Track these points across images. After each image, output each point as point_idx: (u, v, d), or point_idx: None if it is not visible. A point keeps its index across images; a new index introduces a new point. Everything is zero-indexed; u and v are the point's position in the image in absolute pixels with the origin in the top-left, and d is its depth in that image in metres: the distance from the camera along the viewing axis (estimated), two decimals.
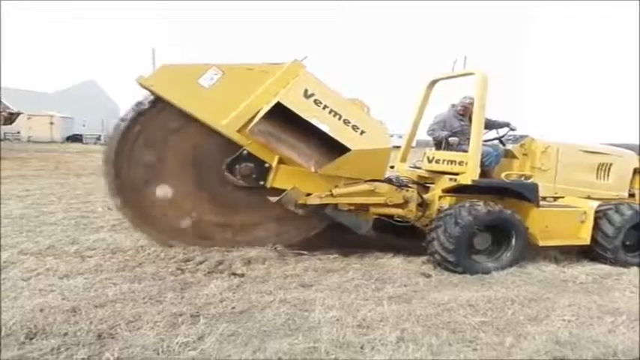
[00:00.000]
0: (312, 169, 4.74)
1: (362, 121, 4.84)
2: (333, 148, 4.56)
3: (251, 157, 5.00)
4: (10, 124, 24.66)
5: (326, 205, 5.09)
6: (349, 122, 4.72)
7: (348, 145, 4.53)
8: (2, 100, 22.93)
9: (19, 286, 3.98)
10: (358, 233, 5.32)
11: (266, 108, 4.63)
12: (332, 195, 5.04)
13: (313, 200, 5.00)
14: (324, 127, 4.52)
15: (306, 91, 4.71)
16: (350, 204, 5.18)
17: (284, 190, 4.94)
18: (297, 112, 4.48)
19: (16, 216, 6.97)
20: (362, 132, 4.72)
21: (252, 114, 4.80)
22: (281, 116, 4.50)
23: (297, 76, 4.88)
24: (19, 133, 36.26)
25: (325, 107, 4.69)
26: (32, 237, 5.71)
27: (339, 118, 4.70)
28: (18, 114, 24.19)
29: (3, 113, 22.47)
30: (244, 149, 4.97)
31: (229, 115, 4.87)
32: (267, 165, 5.04)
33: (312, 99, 4.69)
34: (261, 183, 5.07)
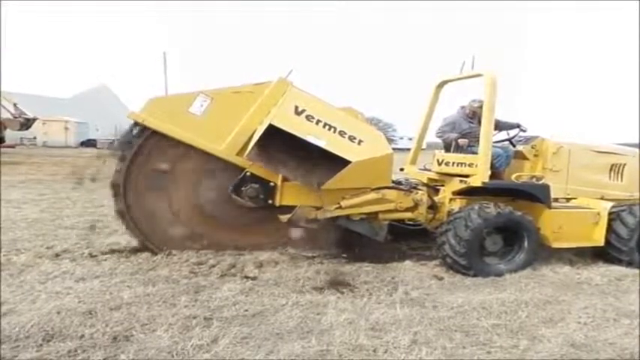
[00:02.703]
0: (315, 187, 4.72)
1: (358, 130, 4.77)
2: (334, 161, 4.49)
3: (255, 177, 4.97)
4: (27, 129, 25.07)
5: (337, 216, 5.11)
6: (345, 134, 4.64)
7: (347, 157, 4.45)
8: (19, 105, 23.30)
9: (37, 289, 4.05)
10: (375, 239, 5.32)
11: (260, 131, 4.57)
12: (341, 207, 5.05)
13: (323, 215, 5.02)
14: (321, 143, 4.43)
15: (296, 108, 4.65)
16: (361, 213, 5.18)
17: (295, 206, 4.96)
18: (291, 131, 4.40)
19: (32, 220, 7.10)
20: (360, 142, 4.65)
21: (248, 136, 4.79)
22: (276, 136, 4.44)
23: (285, 94, 4.84)
24: (34, 138, 36.89)
25: (318, 122, 4.61)
26: (48, 240, 5.81)
27: (335, 131, 4.62)
28: (34, 119, 24.61)
29: (20, 119, 22.87)
30: (247, 171, 4.96)
31: (226, 140, 4.89)
32: (272, 184, 5.01)
33: (304, 115, 4.62)
34: (270, 202, 5.05)
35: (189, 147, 4.94)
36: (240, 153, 4.87)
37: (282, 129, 4.38)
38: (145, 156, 5.00)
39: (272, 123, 4.38)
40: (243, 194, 4.99)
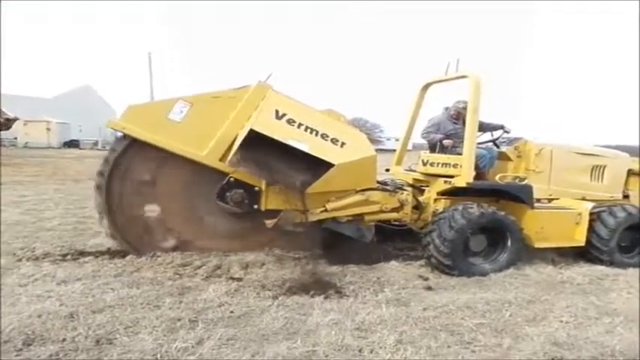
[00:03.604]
0: (300, 191, 4.70)
1: (340, 132, 4.77)
2: (318, 165, 4.48)
3: (239, 183, 4.93)
4: (7, 129, 24.63)
5: (324, 219, 5.10)
6: (327, 136, 4.63)
7: (330, 160, 4.44)
8: (0, 106, 22.87)
9: (17, 293, 3.97)
10: (362, 241, 5.34)
11: (241, 136, 4.54)
12: (326, 210, 5.05)
13: (309, 218, 5.01)
14: (303, 147, 4.41)
15: (277, 112, 4.63)
16: (347, 215, 5.19)
17: (280, 210, 4.95)
18: (273, 136, 4.37)
19: (12, 222, 6.95)
20: (342, 144, 4.64)
21: (230, 141, 4.76)
22: (258, 141, 4.40)
23: (264, 98, 4.82)
24: (15, 139, 36.22)
25: (300, 125, 4.60)
26: (29, 243, 5.69)
27: (317, 134, 4.60)
28: (15, 120, 24.16)
29: (0, 119, 22.44)
30: (231, 177, 4.91)
31: (208, 146, 4.84)
32: (256, 189, 4.98)
33: (285, 119, 4.60)
34: (255, 207, 5.01)
35: (171, 154, 4.88)
36: (222, 158, 4.83)
37: (263, 134, 4.35)
38: (126, 163, 4.94)
39: (253, 128, 4.36)
40: (228, 200, 4.96)
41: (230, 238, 5.25)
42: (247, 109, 4.83)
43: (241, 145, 4.47)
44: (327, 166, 4.47)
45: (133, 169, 4.97)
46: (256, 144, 4.44)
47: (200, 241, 5.19)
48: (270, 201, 5.01)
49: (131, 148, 4.93)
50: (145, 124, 4.81)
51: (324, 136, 4.63)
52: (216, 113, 4.87)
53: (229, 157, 4.62)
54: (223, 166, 4.85)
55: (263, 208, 5.02)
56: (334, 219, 5.18)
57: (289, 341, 3.27)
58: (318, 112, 5.01)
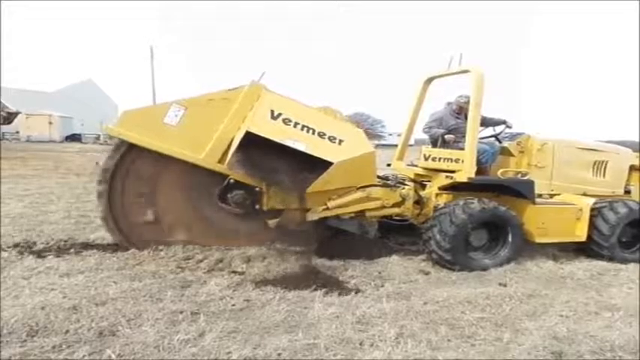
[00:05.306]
0: (300, 190, 4.69)
1: (338, 130, 4.74)
2: (317, 164, 4.46)
3: (239, 184, 4.92)
4: (9, 123, 24.76)
5: (327, 217, 5.11)
6: (325, 135, 4.60)
7: (329, 159, 4.43)
8: (1, 99, 22.90)
9: (20, 285, 4.00)
10: (366, 237, 5.35)
11: (237, 138, 4.52)
12: (328, 208, 5.06)
13: (311, 217, 5.02)
14: (301, 146, 4.38)
15: (272, 112, 4.60)
16: (349, 212, 5.20)
17: (282, 210, 4.94)
18: (269, 136, 4.35)
19: (15, 215, 6.99)
20: (340, 142, 4.62)
21: (227, 142, 4.74)
22: (255, 142, 4.38)
23: (259, 98, 4.79)
24: (17, 132, 36.28)
25: (296, 124, 4.57)
26: (32, 236, 5.72)
27: (313, 133, 4.57)
28: (16, 113, 24.27)
29: (2, 113, 22.49)
30: (230, 178, 4.90)
31: (205, 149, 4.83)
32: (257, 189, 4.96)
33: (281, 119, 4.57)
34: (257, 207, 5.01)
35: (169, 157, 4.87)
36: (221, 160, 4.81)
37: (259, 135, 4.33)
38: (125, 167, 4.95)
39: (249, 130, 4.34)
40: (230, 201, 4.96)
41: (232, 237, 5.25)
42: (242, 110, 4.80)
43: (239, 147, 4.46)
44: (326, 164, 4.46)
45: (132, 174, 4.97)
46: (254, 145, 4.43)
47: (202, 240, 5.20)
48: (271, 201, 5.00)
49: (129, 153, 4.92)
50: (141, 129, 4.80)
51: (321, 135, 4.61)
52: (211, 116, 4.84)
53: (227, 160, 4.61)
54: (222, 168, 4.83)
55: (265, 209, 5.01)
56: (337, 216, 5.19)
57: (290, 334, 3.29)
58: (315, 110, 4.98)
